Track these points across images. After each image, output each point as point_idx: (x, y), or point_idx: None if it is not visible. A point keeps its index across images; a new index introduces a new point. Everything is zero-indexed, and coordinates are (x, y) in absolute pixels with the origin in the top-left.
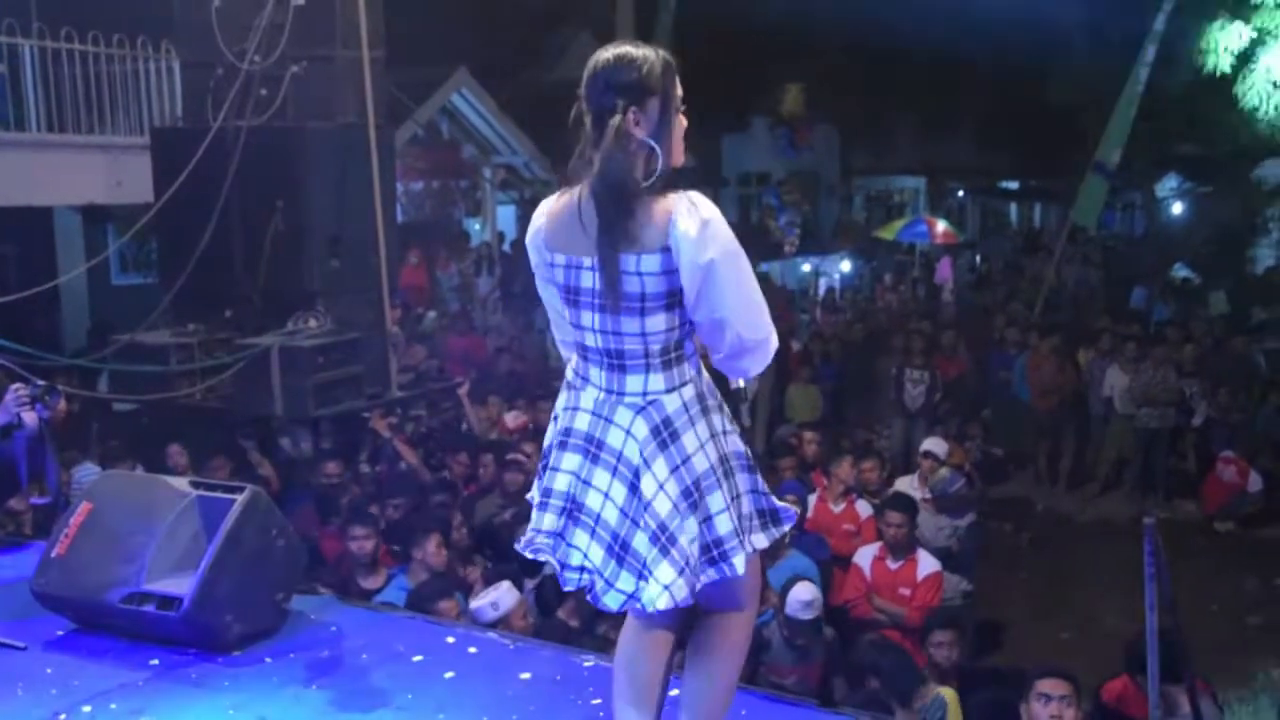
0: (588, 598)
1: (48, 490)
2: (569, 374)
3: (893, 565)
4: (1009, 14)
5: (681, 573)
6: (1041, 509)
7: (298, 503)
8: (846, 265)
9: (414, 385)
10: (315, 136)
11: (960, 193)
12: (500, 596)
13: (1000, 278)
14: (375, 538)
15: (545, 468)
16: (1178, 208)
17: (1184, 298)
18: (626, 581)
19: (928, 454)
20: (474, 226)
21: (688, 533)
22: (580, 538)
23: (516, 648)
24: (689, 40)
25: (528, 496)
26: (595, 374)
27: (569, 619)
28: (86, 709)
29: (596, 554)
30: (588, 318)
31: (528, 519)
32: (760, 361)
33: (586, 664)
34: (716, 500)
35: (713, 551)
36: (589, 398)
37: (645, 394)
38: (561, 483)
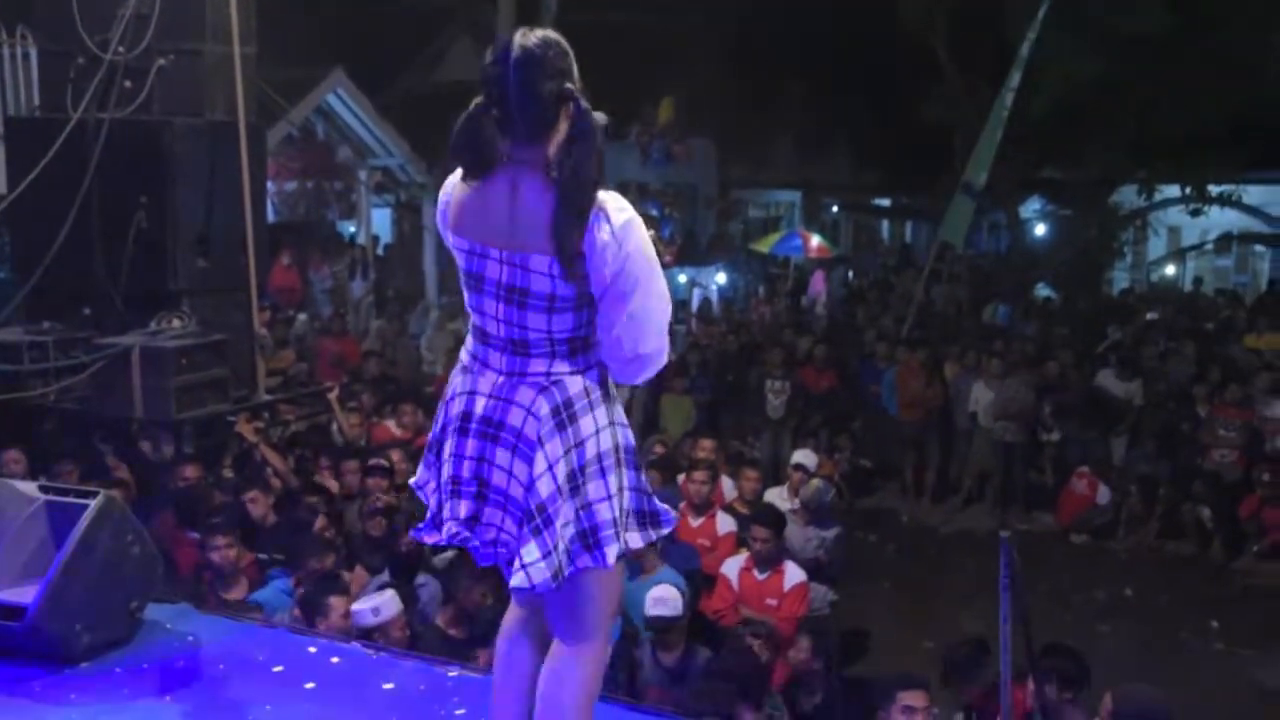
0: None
1: None
2: (464, 356)
3: (760, 576)
4: (886, 32)
5: (546, 556)
6: (907, 520)
7: (157, 509)
8: (722, 277)
9: (282, 389)
10: (182, 132)
11: (835, 208)
12: (383, 603)
13: (872, 293)
14: (237, 546)
15: (450, 455)
16: (1040, 229)
17: (1044, 316)
18: (530, 553)
19: (798, 466)
20: (349, 229)
21: (563, 516)
22: (493, 514)
23: (380, 657)
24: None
25: (414, 481)
26: (495, 358)
27: (448, 627)
28: None
29: (511, 526)
30: (491, 306)
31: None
32: (652, 370)
33: (451, 674)
34: (600, 488)
35: (589, 538)
36: (487, 382)
37: (549, 374)
38: (468, 469)
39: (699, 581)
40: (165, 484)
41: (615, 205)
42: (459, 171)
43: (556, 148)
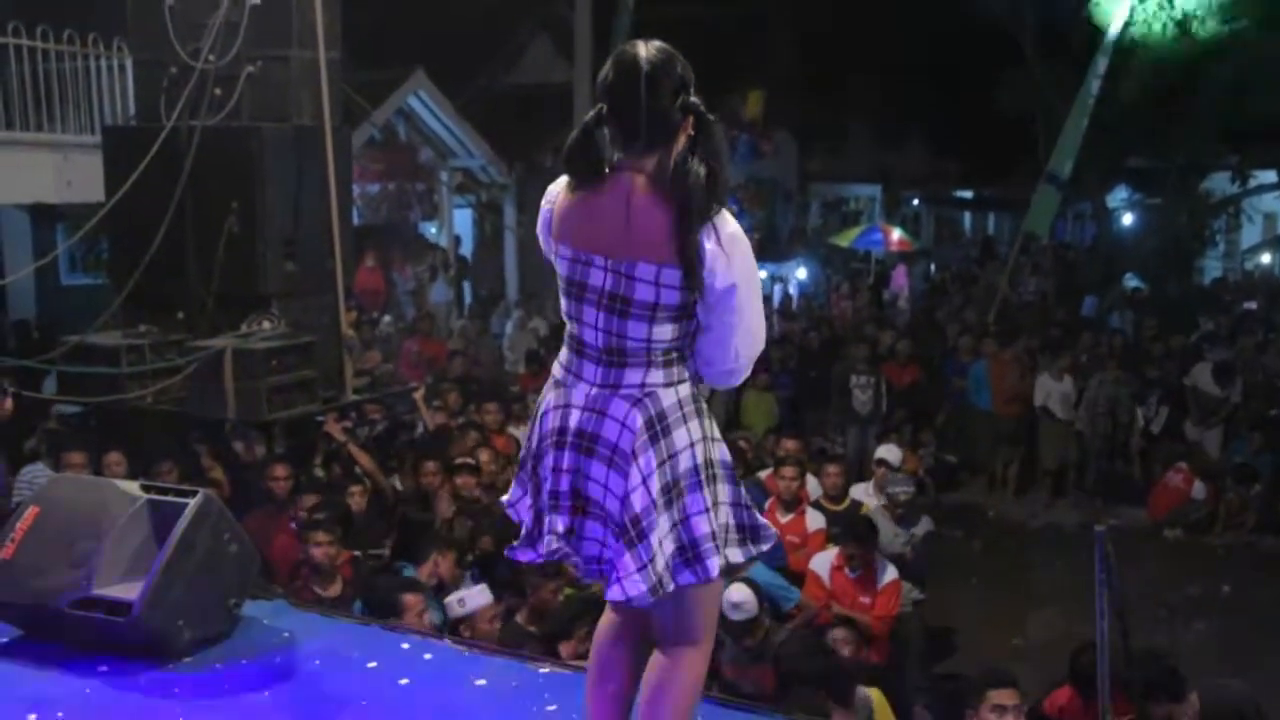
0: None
1: None
2: (557, 370)
3: (852, 575)
4: (964, 23)
5: (641, 569)
6: (993, 515)
7: (250, 507)
8: (803, 272)
9: (369, 389)
10: (270, 137)
11: (915, 201)
12: (470, 595)
13: (954, 286)
14: (337, 544)
15: (549, 470)
16: (1127, 218)
17: (1133, 307)
18: (627, 565)
19: (881, 461)
20: (430, 230)
21: (659, 530)
22: (594, 529)
23: (471, 654)
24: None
25: (505, 500)
26: (589, 370)
27: (528, 625)
28: (32, 718)
29: (611, 541)
30: (590, 314)
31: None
32: (743, 376)
33: (542, 671)
34: (696, 502)
35: (689, 553)
36: (580, 394)
37: (643, 385)
38: (565, 482)
39: (787, 578)
40: (258, 483)
41: (722, 216)
42: (562, 180)
43: (677, 156)
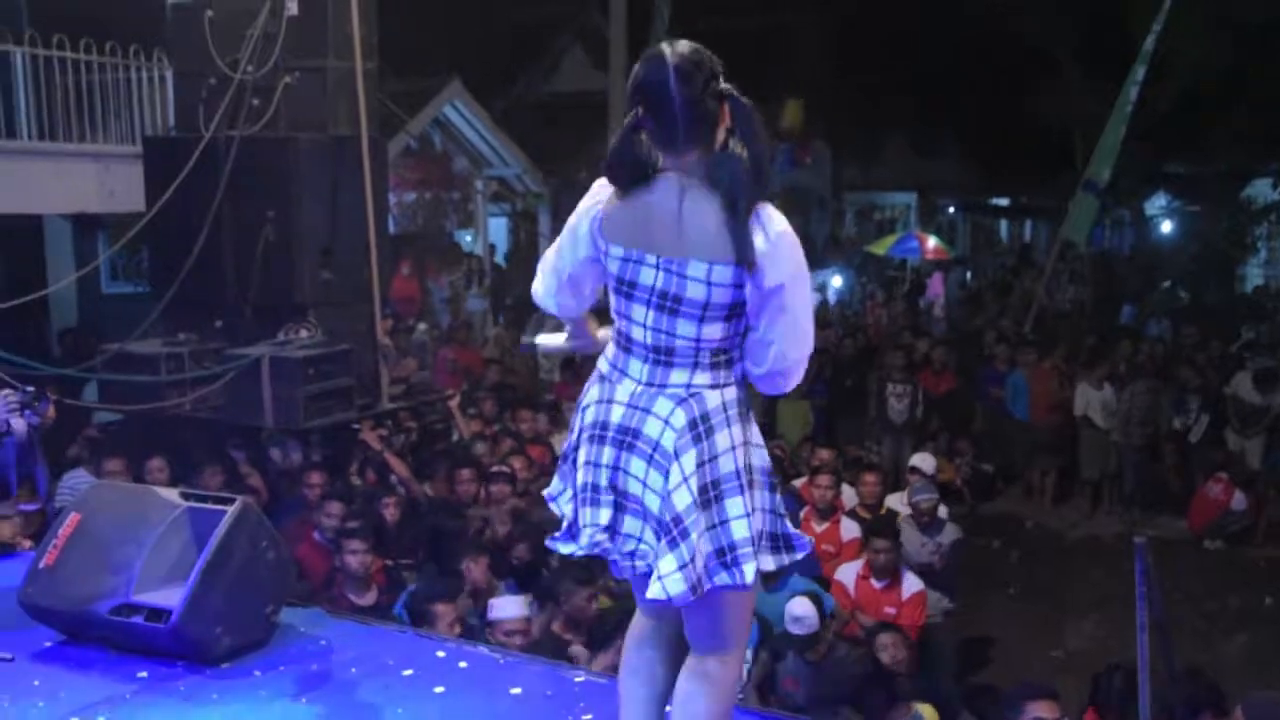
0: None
1: (37, 497)
2: (603, 365)
3: (877, 584)
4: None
5: (683, 568)
6: (1031, 526)
7: (287, 515)
8: (838, 280)
9: (405, 397)
10: (307, 147)
11: (951, 209)
12: (502, 603)
13: (990, 294)
14: (371, 552)
15: (586, 462)
16: (1167, 225)
17: (1172, 315)
18: (668, 563)
19: (914, 469)
20: (465, 238)
21: (698, 529)
22: (632, 524)
23: (507, 662)
24: None
25: (547, 493)
26: (636, 367)
27: (563, 633)
28: None
29: (650, 537)
30: (640, 313)
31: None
32: (794, 379)
33: (577, 679)
34: (735, 505)
35: (726, 556)
36: (625, 390)
37: (688, 386)
38: (605, 477)
39: (824, 587)
40: (294, 490)
41: (770, 213)
42: (604, 183)
43: (718, 146)
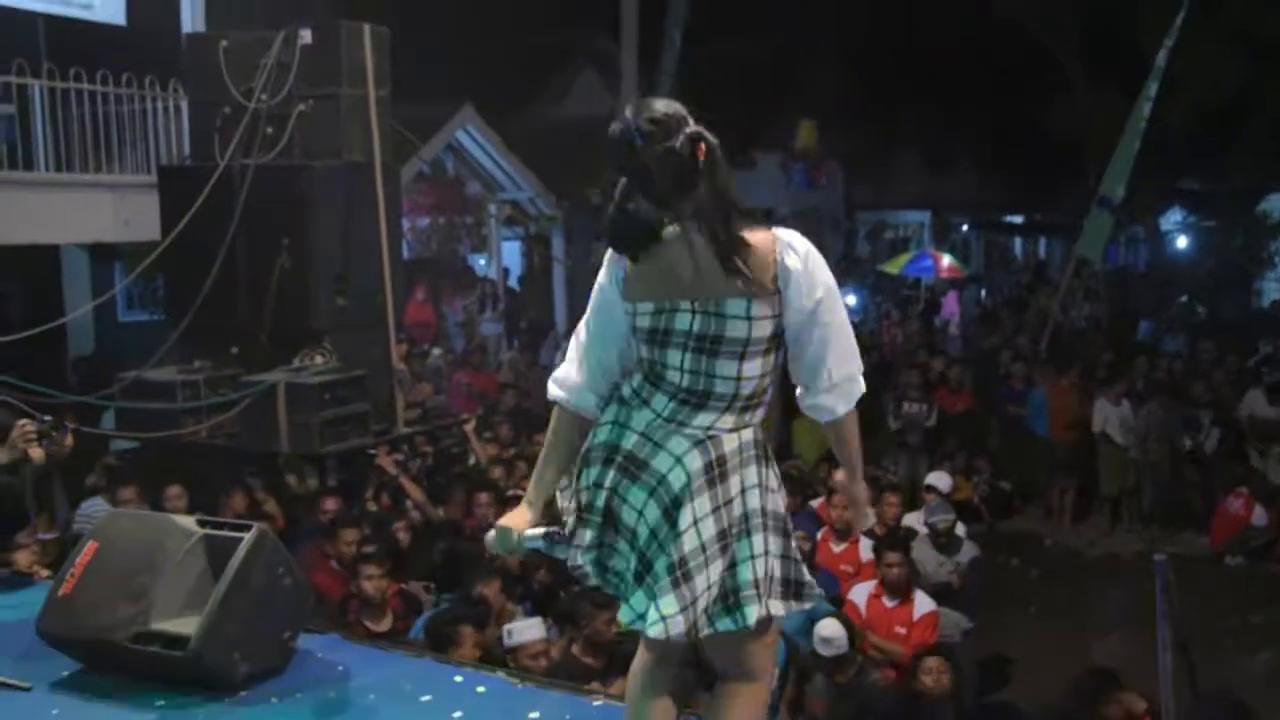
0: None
1: (55, 525)
2: (625, 390)
3: (889, 604)
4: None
5: (684, 610)
6: (1050, 544)
7: (303, 541)
8: (852, 300)
9: (420, 421)
10: (321, 174)
11: (965, 227)
12: (520, 627)
13: (1006, 312)
14: (387, 578)
15: (591, 482)
16: (1182, 241)
17: (1188, 331)
18: (639, 601)
19: (930, 488)
20: (479, 262)
21: (707, 576)
22: (622, 545)
23: (524, 687)
24: (693, 76)
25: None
26: (660, 401)
27: (583, 656)
28: None
29: (634, 566)
30: (675, 358)
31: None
32: (848, 398)
33: (595, 703)
34: (744, 548)
35: (729, 599)
36: (641, 419)
37: (709, 429)
38: (601, 499)
39: (839, 609)
40: (310, 516)
41: (791, 236)
42: (613, 255)
43: (705, 188)
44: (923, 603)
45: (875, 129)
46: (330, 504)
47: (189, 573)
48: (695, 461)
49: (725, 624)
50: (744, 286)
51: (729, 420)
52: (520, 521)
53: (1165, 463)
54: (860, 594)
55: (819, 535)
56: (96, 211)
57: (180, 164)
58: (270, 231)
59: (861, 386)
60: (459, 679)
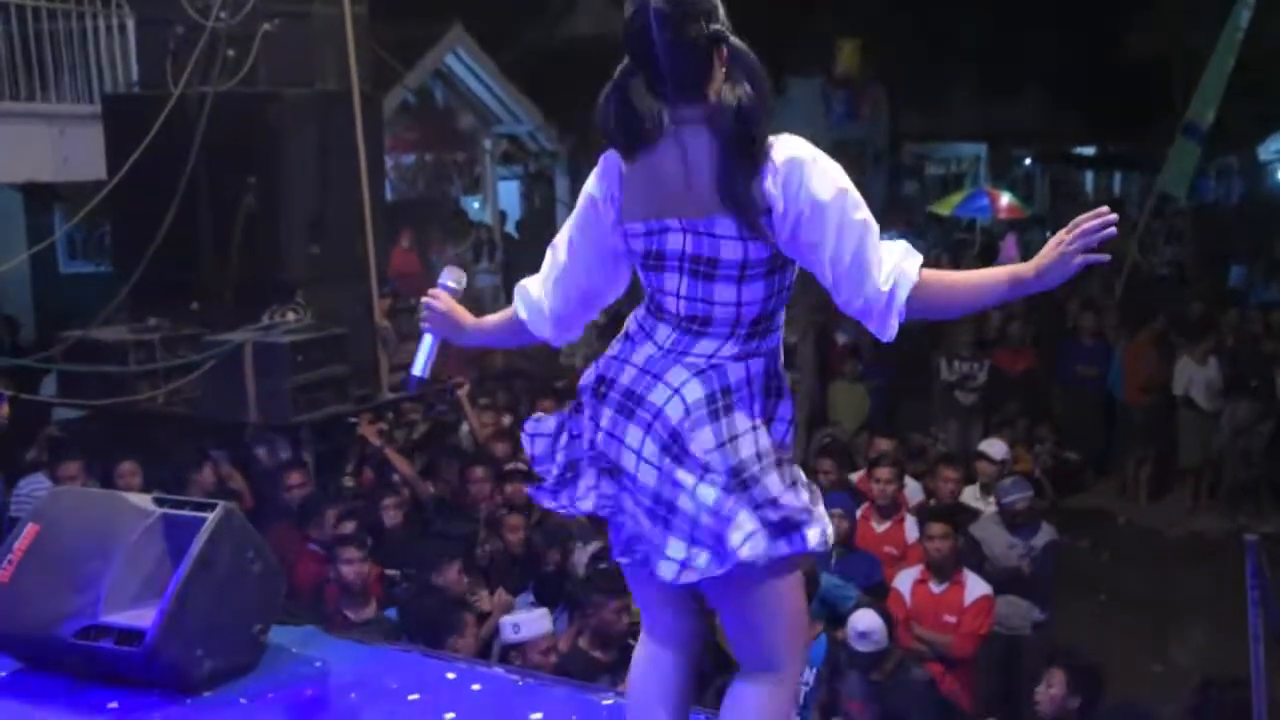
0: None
1: None
2: (630, 325)
3: (936, 589)
4: None
5: (749, 537)
6: (1124, 523)
7: (275, 521)
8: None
9: (407, 386)
10: (291, 104)
11: (1027, 161)
12: (525, 620)
13: None
14: (367, 561)
15: (588, 419)
16: None
17: None
18: (676, 548)
19: (981, 455)
20: (473, 205)
21: (738, 510)
22: (626, 502)
23: (525, 685)
24: None
25: (531, 423)
26: (663, 333)
27: (591, 650)
28: None
29: (643, 521)
30: (672, 282)
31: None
32: (895, 310)
33: (605, 702)
34: (775, 482)
35: (786, 525)
36: (643, 354)
37: (711, 356)
38: (601, 439)
39: (881, 595)
40: (283, 494)
41: (781, 146)
42: (607, 164)
43: (716, 96)
44: (975, 586)
45: (925, 48)
46: (295, 478)
47: (144, 558)
48: (695, 392)
49: (782, 547)
50: (728, 205)
51: (733, 347)
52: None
53: (1254, 430)
54: (905, 580)
55: (859, 513)
56: (30, 146)
57: (127, 92)
58: (234, 170)
59: (906, 303)
60: (451, 675)
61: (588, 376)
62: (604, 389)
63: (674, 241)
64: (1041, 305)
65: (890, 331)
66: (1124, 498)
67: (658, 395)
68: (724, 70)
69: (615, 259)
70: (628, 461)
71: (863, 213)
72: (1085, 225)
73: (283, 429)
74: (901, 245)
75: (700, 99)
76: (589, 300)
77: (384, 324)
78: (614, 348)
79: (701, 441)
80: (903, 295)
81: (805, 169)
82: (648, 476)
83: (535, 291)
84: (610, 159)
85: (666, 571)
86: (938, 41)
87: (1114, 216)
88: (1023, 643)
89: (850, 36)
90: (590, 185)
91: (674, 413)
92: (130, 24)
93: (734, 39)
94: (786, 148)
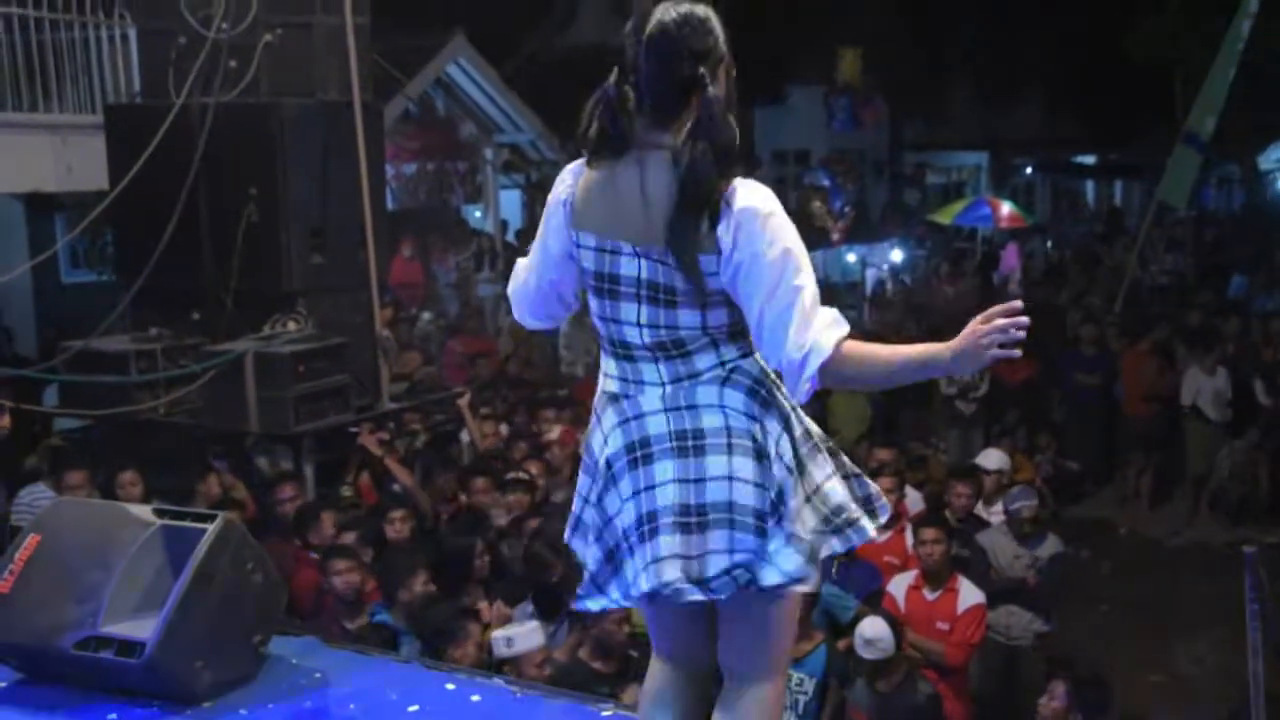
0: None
1: None
2: (609, 385)
3: (930, 596)
4: None
5: (795, 545)
6: (1125, 533)
7: (276, 532)
8: (898, 255)
9: (408, 396)
10: (293, 114)
11: (1028, 170)
12: (519, 634)
13: (1075, 267)
14: (360, 571)
15: (630, 497)
16: None
17: None
18: (719, 561)
19: (978, 468)
20: (474, 214)
21: (799, 500)
22: (665, 543)
23: (524, 696)
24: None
25: (567, 538)
26: (650, 371)
27: (592, 661)
28: None
29: (693, 542)
30: (629, 311)
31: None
32: (805, 374)
33: (605, 713)
34: (820, 470)
35: (834, 520)
36: (652, 398)
37: (723, 363)
38: (662, 498)
39: (877, 605)
40: (284, 504)
41: (743, 193)
42: (579, 163)
43: (684, 135)
44: (968, 594)
45: (926, 57)
46: (288, 490)
47: (145, 569)
48: (736, 397)
49: (835, 545)
50: (696, 239)
51: (731, 350)
52: None
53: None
54: (899, 585)
55: None
56: (34, 157)
57: (130, 102)
58: (235, 180)
59: (819, 373)
60: (451, 686)
61: (606, 455)
62: (642, 452)
63: (628, 266)
64: (1042, 315)
65: (801, 395)
66: (1125, 507)
67: (710, 420)
68: (694, 117)
69: (574, 270)
70: (715, 494)
71: (801, 278)
72: (999, 322)
73: (284, 438)
74: (829, 315)
75: (667, 131)
76: (565, 298)
77: (385, 333)
78: (608, 417)
79: (770, 428)
80: (813, 366)
81: (757, 223)
82: (721, 491)
83: (516, 301)
84: (578, 167)
85: (772, 578)
86: (939, 50)
87: (1026, 320)
88: (1025, 654)
89: (852, 45)
90: (558, 188)
91: (738, 423)
92: (133, 35)
93: (712, 89)
94: (746, 196)
